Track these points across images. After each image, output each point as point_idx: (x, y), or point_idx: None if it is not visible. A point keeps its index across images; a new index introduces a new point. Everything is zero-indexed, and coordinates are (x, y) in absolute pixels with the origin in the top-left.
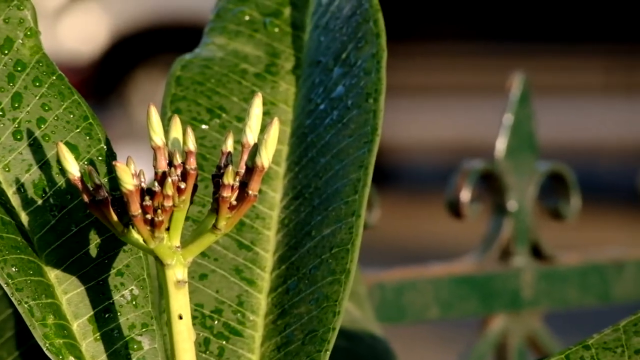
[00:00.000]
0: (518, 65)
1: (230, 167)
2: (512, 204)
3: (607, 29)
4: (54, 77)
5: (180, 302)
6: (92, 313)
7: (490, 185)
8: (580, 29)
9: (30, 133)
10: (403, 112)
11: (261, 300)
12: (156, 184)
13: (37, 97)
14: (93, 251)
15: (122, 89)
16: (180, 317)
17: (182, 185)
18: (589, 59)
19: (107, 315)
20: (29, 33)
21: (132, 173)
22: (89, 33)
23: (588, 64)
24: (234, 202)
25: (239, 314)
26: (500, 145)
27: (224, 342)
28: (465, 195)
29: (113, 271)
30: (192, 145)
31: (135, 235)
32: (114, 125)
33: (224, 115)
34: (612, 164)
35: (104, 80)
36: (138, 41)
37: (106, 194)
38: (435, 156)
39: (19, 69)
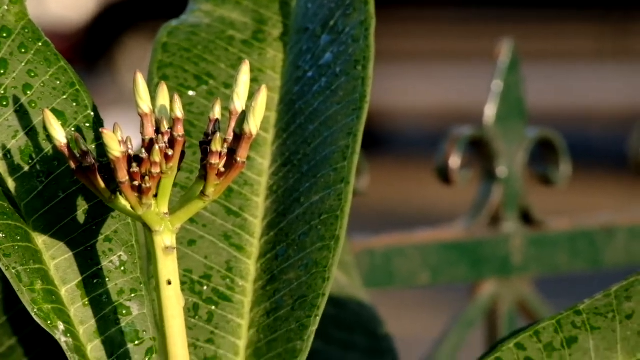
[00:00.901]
0: (508, 31)
1: (218, 134)
2: (501, 170)
3: None
4: (40, 44)
5: (168, 268)
6: (80, 279)
7: (480, 151)
8: None
9: (16, 99)
10: (392, 78)
11: (250, 266)
12: (143, 150)
13: (23, 64)
14: (81, 217)
15: (111, 55)
16: (169, 283)
17: (170, 152)
18: (579, 24)
19: (95, 281)
20: None
21: (119, 140)
22: None
23: (579, 29)
24: (222, 169)
25: (228, 280)
26: (490, 111)
27: (213, 308)
28: (454, 161)
29: (101, 237)
30: (179, 112)
31: (122, 201)
32: (102, 92)
33: (211, 81)
34: (601, 129)
35: (93, 47)
36: (126, 7)
37: (93, 161)
38: (425, 122)
39: (4, 35)
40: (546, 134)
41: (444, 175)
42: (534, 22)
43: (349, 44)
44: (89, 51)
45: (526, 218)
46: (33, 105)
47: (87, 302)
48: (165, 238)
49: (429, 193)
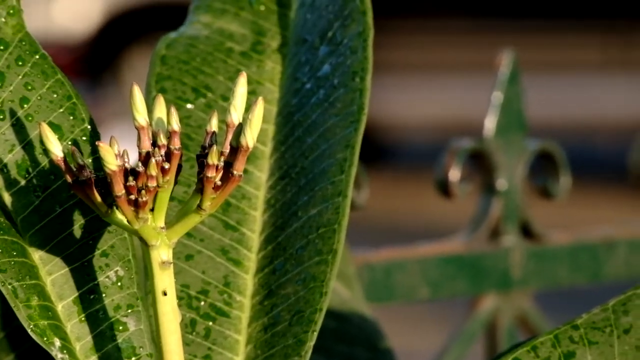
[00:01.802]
0: (509, 41)
1: (214, 147)
2: (501, 183)
3: (603, 4)
4: (37, 56)
5: (165, 282)
6: (77, 294)
7: (480, 164)
8: (575, 4)
9: (13, 113)
10: (392, 90)
11: (248, 280)
12: (140, 164)
13: (20, 77)
14: (77, 232)
15: (116, 67)
16: (165, 294)
17: (166, 166)
18: (583, 35)
19: (92, 297)
20: (11, 11)
21: (115, 153)
22: (83, 11)
23: (582, 40)
24: (219, 182)
25: (225, 295)
26: (490, 123)
27: (210, 323)
28: (454, 174)
29: (98, 252)
30: (175, 125)
31: (119, 215)
32: (107, 104)
33: (209, 94)
34: (603, 142)
35: (98, 59)
36: (132, 19)
37: (90, 174)
38: (424, 134)
39: (2, 47)
40: (546, 147)
41: (444, 189)
42: (536, 33)
43: (347, 56)
44: (94, 63)
45: (526, 231)
46: (30, 118)
47: (83, 318)
48: (162, 252)
49: (429, 206)
